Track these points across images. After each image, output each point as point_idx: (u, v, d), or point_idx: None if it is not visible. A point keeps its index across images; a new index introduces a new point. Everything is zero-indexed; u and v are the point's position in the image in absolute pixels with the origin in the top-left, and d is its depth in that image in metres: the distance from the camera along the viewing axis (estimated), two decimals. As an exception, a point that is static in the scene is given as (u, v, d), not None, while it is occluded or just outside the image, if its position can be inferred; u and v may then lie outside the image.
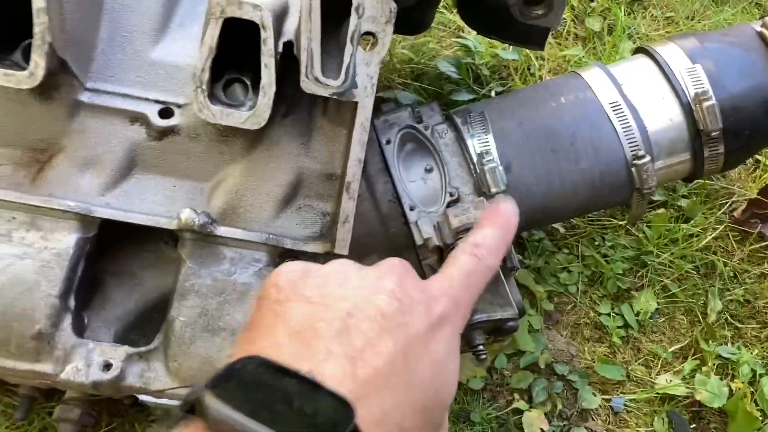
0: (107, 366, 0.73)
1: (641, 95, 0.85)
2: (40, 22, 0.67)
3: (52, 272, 0.73)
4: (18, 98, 0.73)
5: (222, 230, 0.74)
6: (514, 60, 1.12)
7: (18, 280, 0.72)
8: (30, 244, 0.73)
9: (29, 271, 0.73)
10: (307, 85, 0.69)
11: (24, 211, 0.74)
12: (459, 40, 1.14)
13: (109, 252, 0.80)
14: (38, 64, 0.68)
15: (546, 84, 0.90)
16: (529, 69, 1.13)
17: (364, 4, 0.67)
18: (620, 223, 1.06)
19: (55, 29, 0.68)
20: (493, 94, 1.09)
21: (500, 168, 0.81)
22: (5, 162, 0.76)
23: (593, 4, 1.21)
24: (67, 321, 0.74)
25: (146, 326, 0.82)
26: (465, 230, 0.76)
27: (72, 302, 0.75)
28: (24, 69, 0.70)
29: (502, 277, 0.74)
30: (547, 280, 1.00)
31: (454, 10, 1.18)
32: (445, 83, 1.09)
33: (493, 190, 0.80)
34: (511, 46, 1.11)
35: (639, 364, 0.97)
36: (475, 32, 1.12)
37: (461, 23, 1.16)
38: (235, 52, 0.72)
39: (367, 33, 0.69)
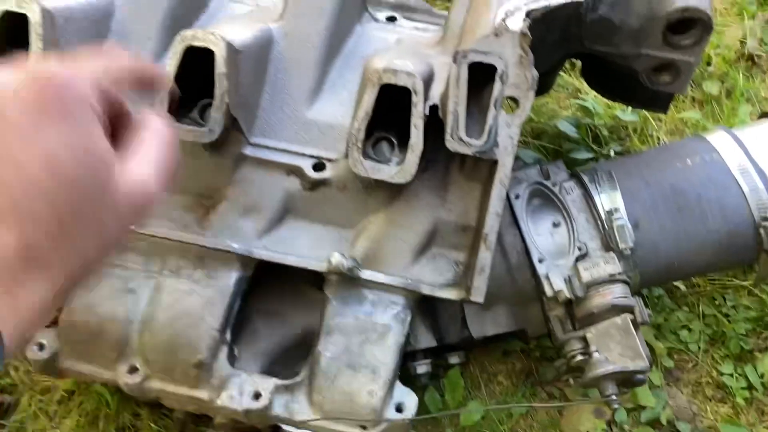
0: (257, 395, 0.80)
1: (769, 158, 0.87)
2: (220, 86, 0.77)
3: (214, 308, 0.81)
4: (192, 150, 0.83)
5: (366, 274, 0.80)
6: (632, 121, 1.15)
7: (185, 314, 0.81)
8: (197, 281, 0.82)
9: (195, 305, 0.81)
10: (452, 145, 0.75)
11: (192, 251, 0.83)
12: (578, 101, 1.19)
13: (257, 290, 0.88)
14: (216, 121, 0.77)
15: (670, 146, 0.93)
16: (646, 130, 1.16)
17: (508, 71, 0.74)
18: (742, 283, 1.06)
19: (231, 92, 0.78)
20: (612, 153, 1.13)
21: (629, 226, 0.84)
22: (177, 206, 0.85)
23: (710, 68, 1.23)
24: (224, 353, 0.82)
25: (288, 360, 0.89)
26: (596, 284, 0.80)
27: (228, 336, 0.82)
28: (201, 125, 0.80)
29: (633, 330, 0.77)
30: (667, 336, 1.01)
31: (573, 72, 1.23)
32: (565, 142, 1.14)
33: (621, 246, 0.84)
34: (630, 108, 1.14)
35: (764, 427, 0.95)
36: (593, 93, 1.16)
37: (579, 85, 1.21)
38: (383, 111, 0.79)
39: (510, 98, 0.75)
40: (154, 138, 0.44)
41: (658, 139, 1.16)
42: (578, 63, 1.23)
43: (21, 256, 0.34)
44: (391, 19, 1.02)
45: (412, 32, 1.00)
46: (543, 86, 1.06)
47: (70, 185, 0.36)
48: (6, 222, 0.34)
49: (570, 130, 1.13)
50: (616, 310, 0.78)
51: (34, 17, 0.76)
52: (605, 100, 1.17)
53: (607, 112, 1.16)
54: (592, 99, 1.16)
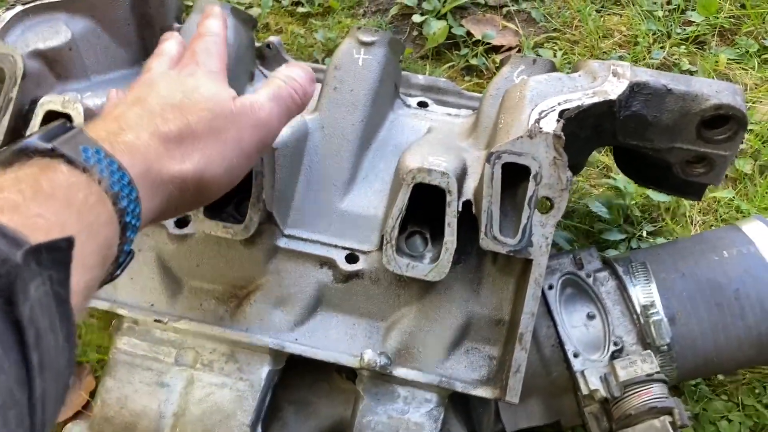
0: (288, 493, 0.79)
1: (808, 250, 0.86)
2: (257, 184, 0.78)
3: (246, 402, 0.81)
4: (227, 243, 0.84)
5: (400, 371, 0.80)
6: (664, 201, 1.14)
7: (217, 408, 0.81)
8: (228, 375, 0.82)
9: (227, 400, 0.81)
10: (486, 243, 0.75)
11: (225, 344, 0.83)
12: (608, 180, 1.18)
13: (287, 379, 0.88)
14: (252, 219, 0.78)
15: (706, 236, 0.92)
16: (678, 210, 1.16)
17: (542, 172, 0.74)
18: (782, 371, 1.03)
19: (268, 189, 0.79)
20: (644, 234, 1.12)
21: (665, 321, 0.83)
22: (210, 297, 0.86)
23: (743, 146, 1.23)
24: (255, 447, 0.81)
25: (318, 453, 0.88)
26: (633, 384, 0.78)
27: (259, 431, 0.82)
28: (236, 218, 0.81)
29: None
30: (705, 427, 0.98)
31: (603, 151, 1.23)
32: (596, 222, 1.13)
33: (658, 342, 0.82)
34: (662, 187, 1.14)
35: None
36: (624, 173, 1.16)
37: (610, 163, 1.21)
38: (416, 206, 0.79)
39: (544, 197, 0.75)
40: (276, 78, 0.68)
41: (691, 219, 1.15)
42: (608, 140, 1.23)
43: (176, 137, 0.57)
44: (423, 105, 1.04)
45: (444, 118, 1.01)
46: (574, 167, 1.06)
47: (200, 108, 0.59)
48: (170, 119, 0.57)
49: (601, 210, 1.13)
50: (655, 411, 0.76)
51: (78, 118, 0.78)
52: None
53: (638, 192, 1.15)
54: (623, 178, 1.16)
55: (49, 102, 0.79)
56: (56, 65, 0.86)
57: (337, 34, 1.40)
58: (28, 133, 0.80)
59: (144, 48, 0.99)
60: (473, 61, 1.38)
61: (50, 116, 0.80)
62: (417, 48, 1.41)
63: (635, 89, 0.80)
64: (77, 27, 0.89)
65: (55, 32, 0.86)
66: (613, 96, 0.79)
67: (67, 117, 0.79)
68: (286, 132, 0.83)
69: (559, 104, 0.77)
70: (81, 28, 0.89)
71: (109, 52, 0.93)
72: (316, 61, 1.37)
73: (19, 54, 0.81)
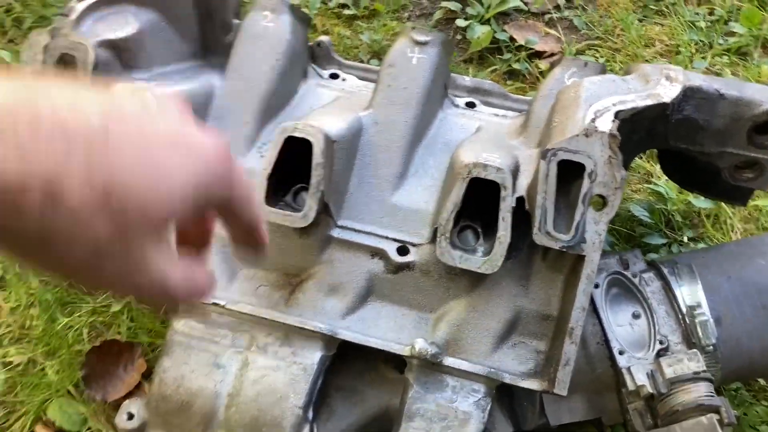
0: (336, 476, 0.81)
1: None
2: (316, 175, 0.80)
3: (299, 385, 0.83)
4: (282, 232, 0.87)
5: (449, 361, 0.82)
6: (706, 208, 1.15)
7: (271, 390, 0.83)
8: (282, 358, 0.85)
9: (281, 382, 0.83)
10: (539, 238, 0.77)
11: (279, 329, 0.86)
12: (650, 185, 1.20)
13: (335, 367, 0.90)
14: (311, 207, 0.81)
15: (750, 241, 0.94)
16: (720, 217, 1.17)
17: (597, 170, 0.76)
18: (822, 378, 1.04)
19: (326, 180, 0.81)
20: (685, 239, 1.13)
21: (711, 321, 0.84)
22: (265, 283, 0.89)
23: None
24: (305, 430, 0.83)
25: (364, 440, 0.90)
26: (679, 381, 0.80)
27: (310, 414, 0.84)
28: (294, 208, 0.84)
29: (720, 431, 0.76)
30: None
31: (644, 157, 1.24)
32: (637, 226, 1.15)
33: (704, 342, 0.84)
34: (703, 194, 1.15)
35: None
36: (665, 178, 1.17)
37: (651, 169, 1.22)
38: (469, 201, 0.81)
39: (598, 195, 0.77)
40: (195, 263, 0.46)
41: (732, 226, 1.16)
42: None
43: None
44: (471, 105, 1.06)
45: (492, 118, 1.03)
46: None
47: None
48: None
49: (643, 214, 1.14)
50: (702, 409, 0.78)
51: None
52: (677, 186, 1.18)
53: (679, 198, 1.17)
54: (664, 184, 1.17)
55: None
56: (124, 55, 0.89)
57: (382, 36, 1.42)
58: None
59: (203, 43, 1.02)
60: (516, 66, 1.40)
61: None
62: (460, 52, 1.43)
63: (688, 93, 0.82)
64: (144, 19, 0.92)
65: (124, 23, 0.90)
66: (667, 99, 0.81)
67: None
68: (342, 127, 0.86)
69: (614, 105, 0.79)
70: (147, 21, 0.93)
71: (171, 45, 0.97)
72: (362, 62, 1.39)
73: (91, 43, 0.85)
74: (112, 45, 0.88)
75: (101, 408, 1.03)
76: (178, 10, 0.96)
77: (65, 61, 0.85)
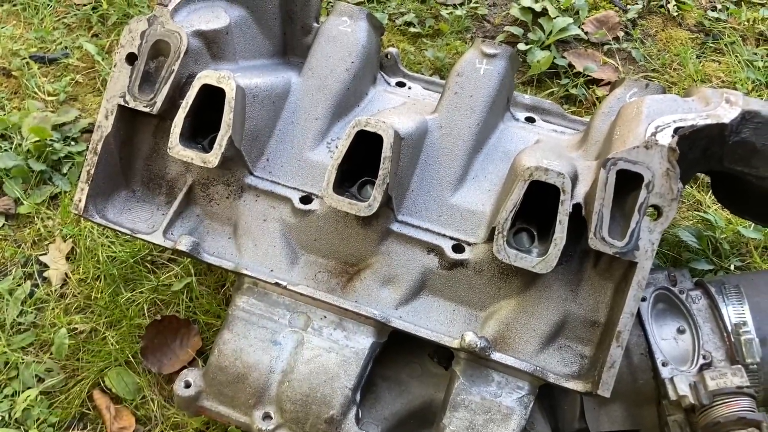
0: (379, 458, 0.84)
1: None
2: (384, 168, 0.85)
3: (350, 367, 0.87)
4: (345, 221, 0.91)
5: (497, 356, 0.85)
6: (755, 238, 1.17)
7: (323, 370, 0.87)
8: (336, 341, 0.89)
9: (333, 363, 0.87)
10: (595, 243, 0.80)
11: (334, 312, 0.90)
12: (698, 213, 1.22)
13: (382, 357, 0.94)
14: (376, 198, 0.85)
15: (801, 267, 0.95)
16: (768, 249, 1.18)
17: (654, 181, 0.79)
18: None
19: (392, 174, 0.86)
20: (732, 267, 1.14)
21: (756, 340, 0.86)
22: (324, 269, 0.93)
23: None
24: (353, 412, 0.87)
25: (404, 430, 0.93)
26: (722, 394, 0.81)
27: (358, 397, 0.88)
28: (358, 199, 0.89)
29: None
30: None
31: (694, 186, 1.26)
32: (684, 251, 1.17)
33: (748, 360, 0.85)
34: (753, 225, 1.16)
35: None
36: (715, 207, 1.19)
37: (701, 197, 1.24)
38: (524, 207, 0.85)
39: (652, 205, 0.80)
40: None
41: (780, 259, 1.17)
42: (701, 176, 1.27)
43: None
44: (530, 120, 1.10)
45: (551, 133, 1.07)
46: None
47: None
48: None
49: (691, 240, 1.16)
50: (744, 422, 0.79)
51: (230, 93, 0.87)
52: (727, 214, 1.20)
53: (729, 227, 1.18)
54: (713, 212, 1.19)
55: (207, 76, 0.88)
56: (213, 46, 0.95)
57: (445, 54, 1.48)
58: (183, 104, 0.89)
59: (285, 43, 1.09)
60: (573, 91, 1.44)
61: (205, 90, 0.89)
62: (520, 74, 1.48)
63: (746, 116, 0.85)
64: (234, 14, 0.99)
65: (216, 16, 0.96)
66: (726, 120, 0.84)
67: (221, 92, 0.88)
68: (411, 126, 0.91)
69: (674, 121, 0.82)
70: (236, 16, 0.99)
71: (256, 41, 1.03)
72: (423, 77, 1.45)
73: (185, 32, 0.91)
74: (203, 36, 0.94)
75: (155, 380, 1.08)
76: (265, 10, 1.03)
77: (159, 48, 0.92)
